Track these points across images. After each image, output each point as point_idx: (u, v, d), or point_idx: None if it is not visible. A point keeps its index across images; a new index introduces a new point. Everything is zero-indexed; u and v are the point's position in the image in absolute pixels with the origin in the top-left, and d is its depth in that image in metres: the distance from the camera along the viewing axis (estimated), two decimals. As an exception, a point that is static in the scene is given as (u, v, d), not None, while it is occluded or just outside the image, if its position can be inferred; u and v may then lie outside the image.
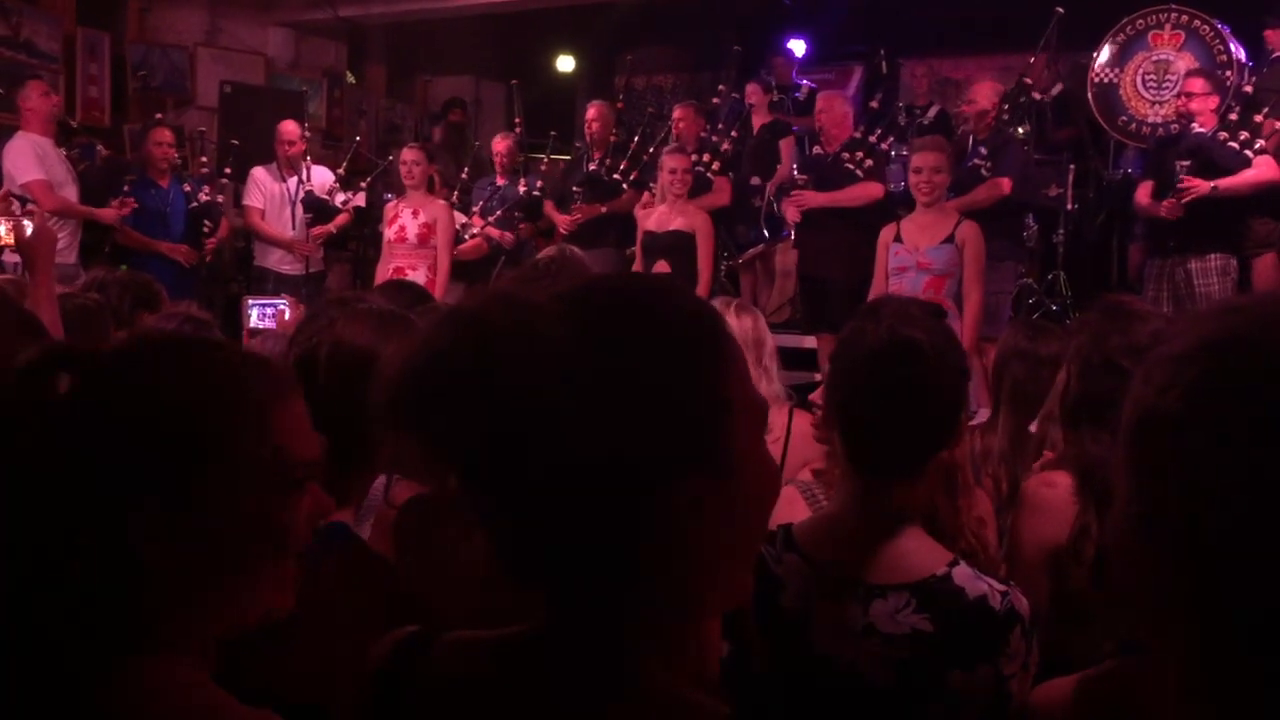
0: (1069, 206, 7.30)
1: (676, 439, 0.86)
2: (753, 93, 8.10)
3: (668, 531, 0.86)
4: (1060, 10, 6.95)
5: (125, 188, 6.87)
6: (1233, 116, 6.06)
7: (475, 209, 7.54)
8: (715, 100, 8.48)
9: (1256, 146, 5.91)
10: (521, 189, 7.49)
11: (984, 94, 6.51)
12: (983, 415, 3.73)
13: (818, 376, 5.24)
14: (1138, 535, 0.77)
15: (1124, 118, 7.60)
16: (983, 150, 6.21)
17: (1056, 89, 7.99)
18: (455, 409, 0.84)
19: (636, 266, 6.23)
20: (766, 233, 7.71)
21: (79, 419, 1.01)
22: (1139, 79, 7.51)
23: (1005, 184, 6.14)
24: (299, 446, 1.11)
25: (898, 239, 5.36)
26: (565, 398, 0.83)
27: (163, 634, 1.04)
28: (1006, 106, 6.72)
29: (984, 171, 6.13)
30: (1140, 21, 7.50)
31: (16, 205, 3.23)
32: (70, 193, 6.66)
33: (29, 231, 2.87)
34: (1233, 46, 7.11)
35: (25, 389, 1.01)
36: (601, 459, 0.84)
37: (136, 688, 1.00)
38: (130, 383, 1.05)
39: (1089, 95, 7.67)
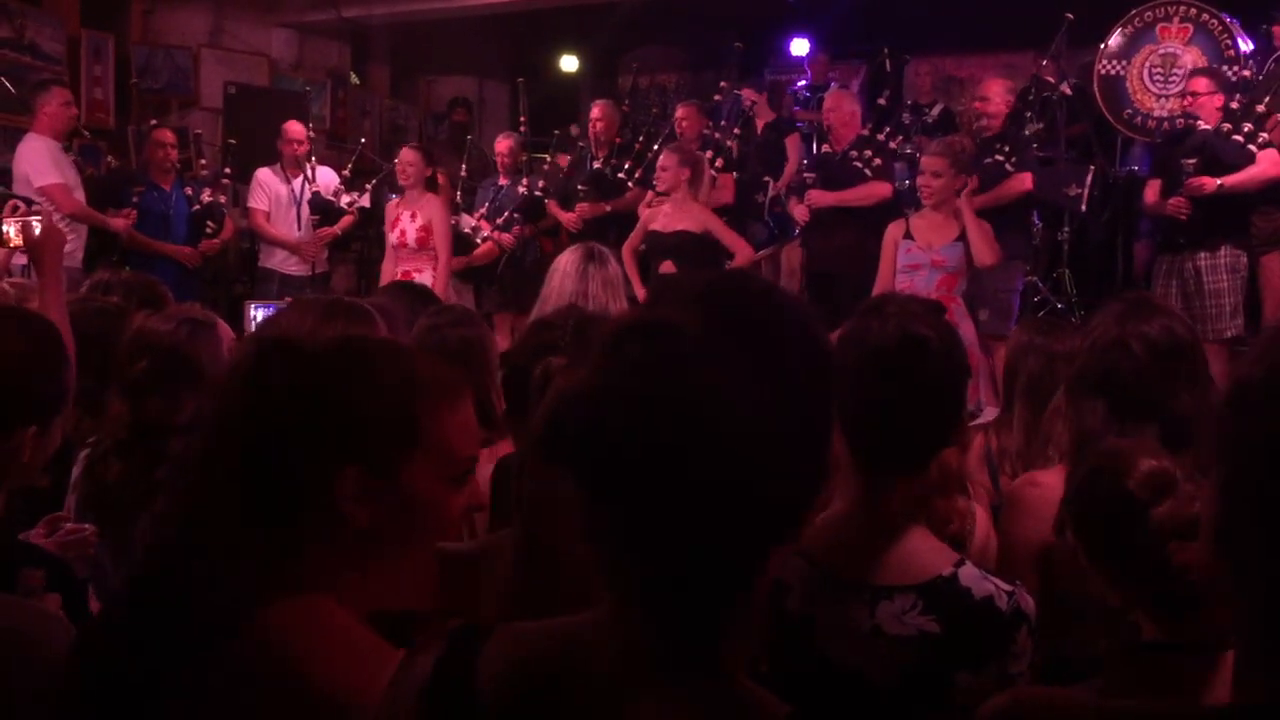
0: (1083, 208, 7.27)
1: (816, 467, 0.92)
2: (748, 96, 8.11)
3: (781, 546, 0.93)
4: (1070, 16, 6.92)
5: (134, 199, 6.86)
6: (1234, 105, 6.03)
7: (480, 211, 7.52)
8: (717, 98, 8.47)
9: (1260, 140, 5.89)
10: (521, 190, 7.47)
11: (997, 92, 6.49)
12: (989, 414, 3.71)
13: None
14: (1225, 500, 0.83)
15: (1129, 111, 7.54)
16: (1006, 148, 6.20)
17: (1064, 86, 7.96)
18: (624, 448, 0.87)
19: (629, 265, 6.23)
20: (775, 231, 7.70)
21: (312, 398, 1.21)
22: (1145, 72, 7.46)
23: (1028, 179, 6.15)
24: (464, 443, 1.28)
25: (908, 236, 5.36)
26: (727, 436, 0.87)
27: (331, 581, 1.20)
28: (1022, 104, 6.70)
29: (1008, 167, 6.12)
30: (1149, 14, 7.44)
31: (23, 207, 3.22)
32: (80, 197, 6.65)
33: (37, 231, 2.85)
34: (1241, 40, 7.06)
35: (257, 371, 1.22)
36: (757, 494, 0.88)
37: (299, 614, 1.16)
38: (352, 370, 1.23)
39: (1095, 88, 7.62)
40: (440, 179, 7.31)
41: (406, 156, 6.64)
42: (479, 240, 7.29)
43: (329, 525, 1.20)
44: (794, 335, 0.93)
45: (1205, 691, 1.58)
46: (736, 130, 7.72)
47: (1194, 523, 1.59)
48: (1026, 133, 6.71)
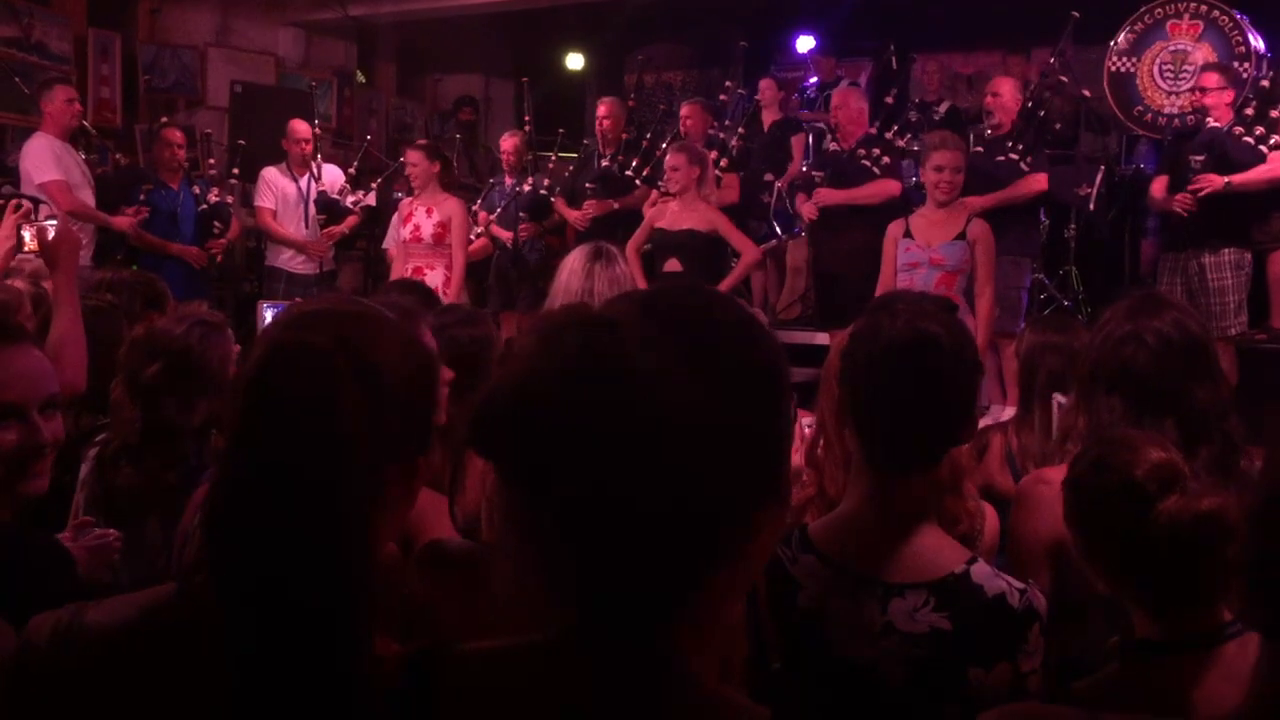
0: (1091, 207, 7.26)
1: (758, 475, 0.89)
2: (766, 88, 8.06)
3: (733, 556, 0.89)
4: (1076, 14, 6.91)
5: (141, 196, 6.87)
6: (1248, 111, 6.02)
7: (475, 207, 7.51)
8: (723, 97, 8.46)
9: (1271, 142, 5.87)
10: (526, 188, 7.47)
11: (1008, 89, 6.47)
12: (996, 412, 3.70)
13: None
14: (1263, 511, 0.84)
15: (1139, 108, 7.52)
16: (1020, 146, 6.17)
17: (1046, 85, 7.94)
18: (552, 442, 0.85)
19: (634, 264, 6.21)
20: (778, 228, 7.69)
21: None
22: (1156, 69, 7.44)
23: (1043, 180, 6.12)
24: None
25: (908, 235, 5.33)
26: (659, 434, 0.84)
27: None
28: (1032, 100, 6.68)
29: (1023, 166, 6.10)
30: (1159, 10, 7.42)
31: (46, 208, 3.27)
32: (86, 195, 6.66)
33: (51, 235, 2.88)
34: (1251, 37, 7.03)
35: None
36: (688, 495, 0.85)
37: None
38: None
39: (1105, 85, 7.60)
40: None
41: (410, 157, 6.64)
42: (473, 236, 7.27)
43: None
44: (736, 338, 0.91)
45: (1197, 690, 1.58)
46: (741, 129, 7.71)
47: (1200, 519, 1.58)
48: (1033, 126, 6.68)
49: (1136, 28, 7.50)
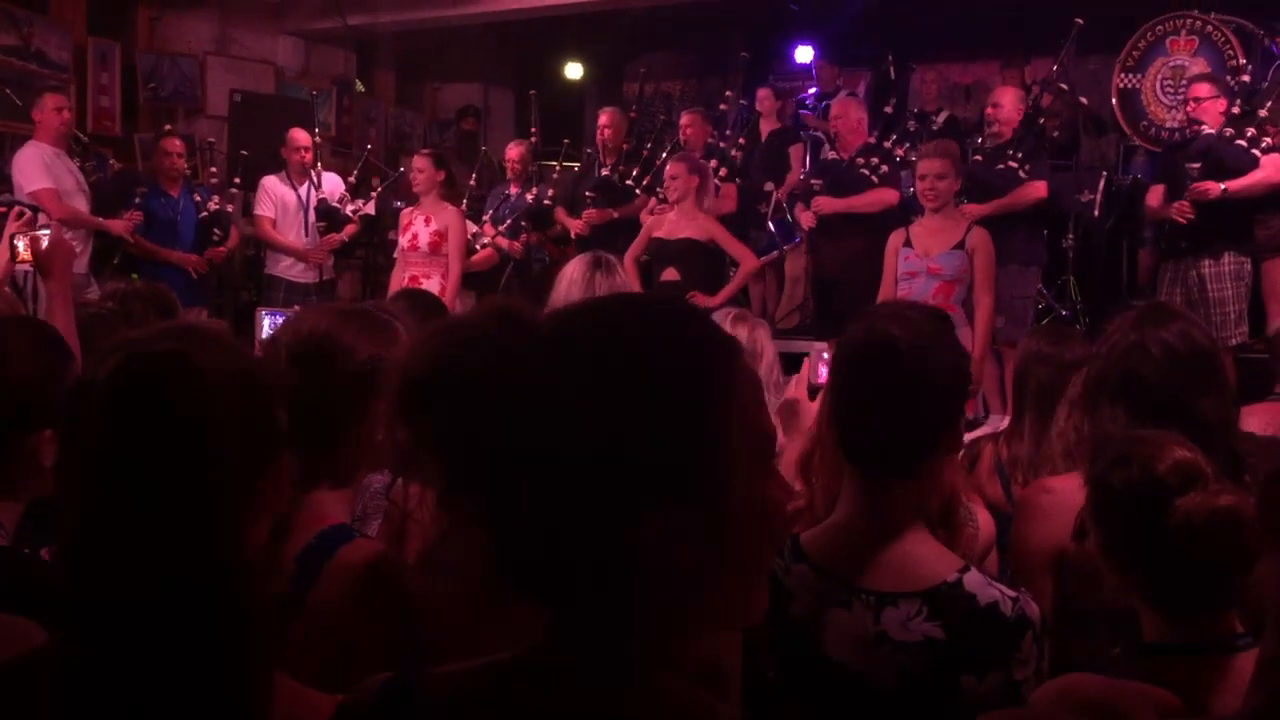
0: (1095, 214, 7.31)
1: (651, 468, 0.87)
2: (764, 98, 8.07)
3: (647, 554, 0.87)
4: (1079, 22, 6.95)
5: (136, 199, 6.88)
6: (1235, 110, 6.05)
7: (486, 218, 7.54)
8: (723, 106, 8.48)
9: (1263, 145, 5.88)
10: (529, 198, 7.47)
11: (1009, 100, 6.49)
12: (995, 421, 3.70)
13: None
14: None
15: (1145, 122, 7.72)
16: (1020, 155, 6.19)
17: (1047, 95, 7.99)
18: (449, 411, 0.89)
19: (631, 274, 6.21)
20: (778, 238, 7.70)
21: None
22: (1158, 84, 7.62)
23: (1042, 188, 6.15)
24: None
25: (908, 244, 5.35)
26: (548, 415, 0.86)
27: None
28: (1032, 107, 6.71)
29: (1021, 174, 6.12)
30: (1160, 27, 7.63)
31: (42, 217, 3.30)
32: (80, 203, 6.65)
33: (45, 244, 2.88)
34: (1241, 56, 7.11)
35: None
36: (575, 478, 0.86)
37: None
38: None
39: (1114, 99, 7.78)
40: None
41: (417, 163, 6.65)
42: (478, 246, 7.28)
43: None
44: (637, 337, 0.90)
45: (1204, 695, 1.57)
46: (741, 139, 7.73)
47: (1218, 518, 1.57)
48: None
49: (1140, 45, 7.68)
